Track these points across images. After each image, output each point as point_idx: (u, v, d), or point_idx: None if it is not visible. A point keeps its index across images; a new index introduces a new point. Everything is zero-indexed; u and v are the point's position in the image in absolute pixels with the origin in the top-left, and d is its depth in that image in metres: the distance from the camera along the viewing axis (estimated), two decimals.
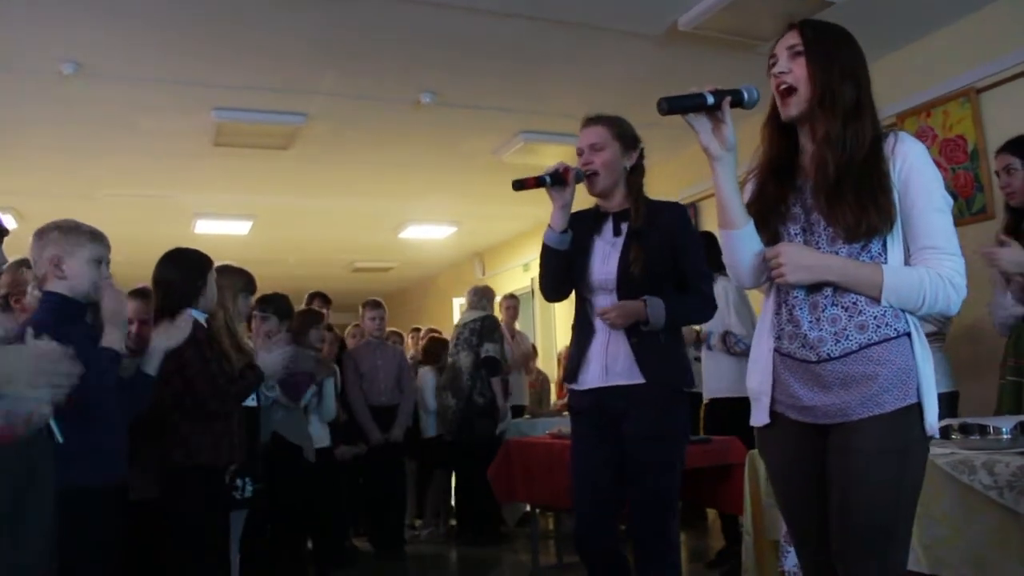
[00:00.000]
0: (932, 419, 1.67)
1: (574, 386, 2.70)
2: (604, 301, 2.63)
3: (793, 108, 1.76)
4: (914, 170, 1.70)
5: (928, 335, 1.82)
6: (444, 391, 5.70)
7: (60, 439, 1.87)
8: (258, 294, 3.95)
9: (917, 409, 1.67)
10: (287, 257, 9.63)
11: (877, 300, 1.68)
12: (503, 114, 5.38)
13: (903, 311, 1.70)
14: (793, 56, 1.76)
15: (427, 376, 5.74)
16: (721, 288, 4.36)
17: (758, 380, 1.84)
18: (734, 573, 3.65)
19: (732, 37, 4.12)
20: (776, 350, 1.79)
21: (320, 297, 5.50)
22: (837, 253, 1.72)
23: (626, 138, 2.66)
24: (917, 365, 1.68)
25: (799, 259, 1.71)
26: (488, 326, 5.61)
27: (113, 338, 2.37)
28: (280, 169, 6.31)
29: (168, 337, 2.57)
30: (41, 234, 2.37)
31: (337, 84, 4.78)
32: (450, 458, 5.84)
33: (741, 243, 1.83)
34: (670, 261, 2.60)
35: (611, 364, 2.60)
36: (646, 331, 2.55)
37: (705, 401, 4.49)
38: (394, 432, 5.23)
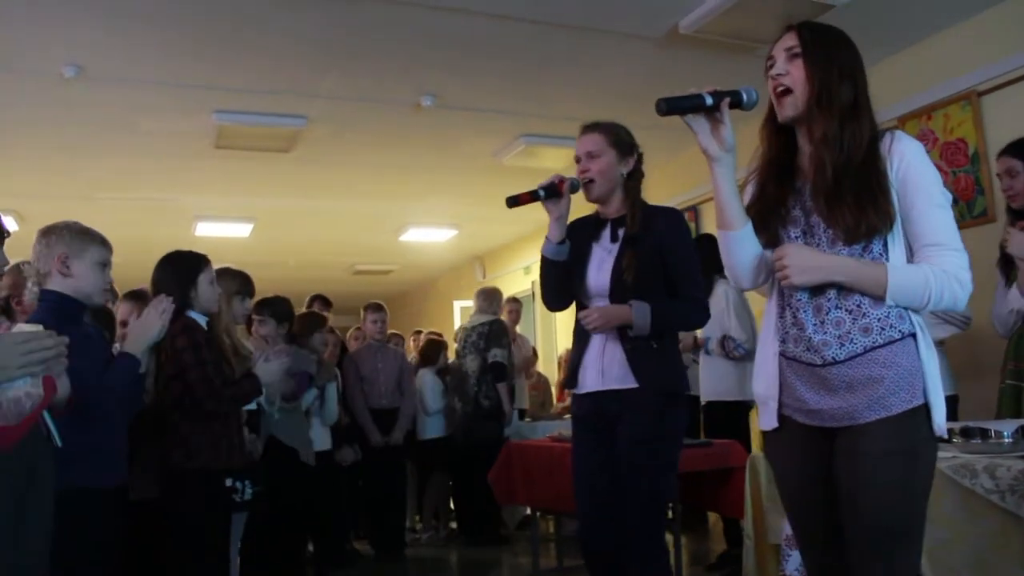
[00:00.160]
0: (940, 419, 1.67)
1: (574, 390, 2.74)
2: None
3: (789, 109, 1.76)
4: (912, 168, 1.69)
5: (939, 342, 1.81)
6: (451, 393, 5.74)
7: (59, 442, 1.87)
8: (259, 297, 3.96)
9: (924, 410, 1.66)
10: (287, 260, 9.64)
11: (882, 299, 1.67)
12: (504, 117, 5.38)
13: (909, 311, 1.69)
14: (791, 58, 1.75)
15: (426, 377, 5.74)
16: (721, 291, 4.36)
17: (765, 384, 1.83)
18: None
19: (733, 40, 4.12)
20: (781, 354, 1.79)
21: (320, 299, 5.50)
22: (838, 255, 1.72)
23: (622, 144, 2.67)
24: (923, 366, 1.67)
25: (804, 261, 1.70)
26: (496, 331, 5.62)
27: (133, 345, 2.42)
28: (281, 172, 6.32)
29: (145, 330, 2.51)
30: (48, 232, 2.38)
31: (338, 87, 4.78)
32: (450, 460, 5.85)
33: (739, 244, 1.83)
34: (663, 267, 2.60)
35: (607, 369, 2.62)
36: (634, 336, 2.56)
37: (702, 404, 4.49)
38: (394, 435, 5.23)
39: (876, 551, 1.65)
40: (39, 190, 6.37)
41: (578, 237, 2.73)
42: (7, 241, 1.99)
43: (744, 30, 3.99)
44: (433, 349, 5.96)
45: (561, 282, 2.73)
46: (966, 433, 2.37)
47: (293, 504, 3.96)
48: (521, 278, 9.14)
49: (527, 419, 6.13)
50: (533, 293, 8.66)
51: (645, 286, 2.57)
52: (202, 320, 2.87)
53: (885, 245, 1.70)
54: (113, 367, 2.40)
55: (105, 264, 2.43)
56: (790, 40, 1.77)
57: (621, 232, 2.66)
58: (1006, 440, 2.30)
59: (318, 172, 6.43)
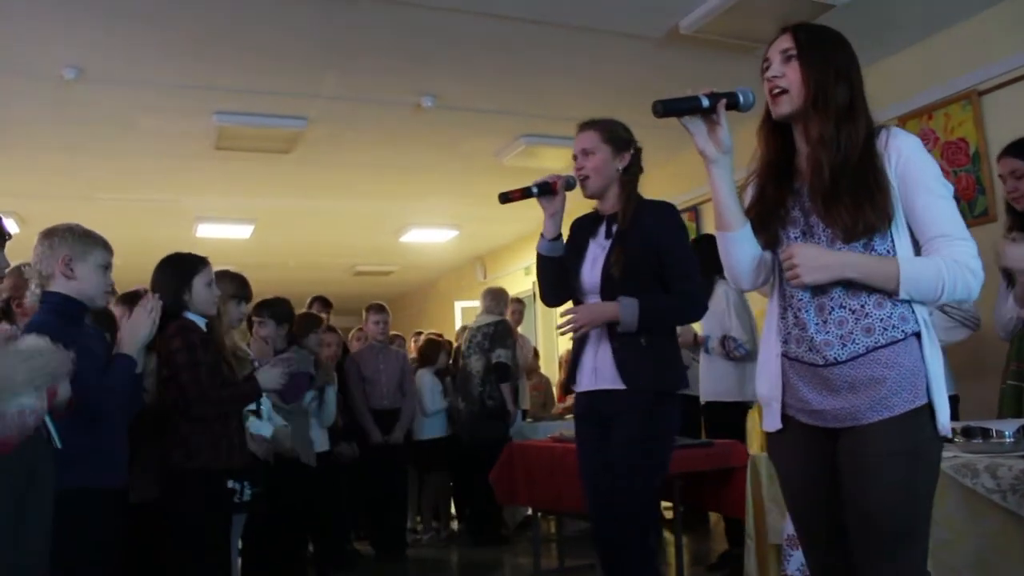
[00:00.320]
0: (944, 419, 1.66)
1: (574, 388, 2.76)
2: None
3: (784, 106, 1.76)
4: (910, 163, 1.69)
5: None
6: (455, 393, 5.78)
7: (59, 444, 1.87)
8: (259, 298, 3.96)
9: (928, 410, 1.66)
10: (288, 261, 9.64)
11: (895, 294, 1.66)
12: (504, 117, 5.38)
13: (914, 310, 1.68)
14: (786, 60, 1.76)
15: (424, 378, 5.73)
16: (721, 291, 4.36)
17: (768, 386, 1.83)
18: None
19: (733, 40, 4.12)
20: (784, 354, 1.79)
21: (320, 301, 5.51)
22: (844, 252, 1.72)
23: (617, 140, 2.67)
24: (927, 366, 1.67)
25: (814, 259, 1.69)
26: (501, 331, 5.64)
27: (128, 345, 2.43)
28: (281, 173, 6.32)
29: (135, 330, 2.51)
30: (50, 234, 2.39)
31: (338, 87, 4.78)
32: (453, 460, 5.86)
33: (738, 245, 1.84)
34: (655, 262, 2.59)
35: (600, 368, 2.64)
36: (622, 333, 2.56)
37: (702, 403, 4.48)
38: (395, 434, 5.23)
39: (880, 552, 1.65)
40: (39, 191, 6.37)
41: (579, 234, 2.77)
42: (7, 243, 2.00)
43: (744, 30, 3.99)
44: (432, 349, 5.96)
45: (557, 278, 2.75)
46: (967, 433, 2.37)
47: (293, 505, 3.96)
48: (522, 278, 9.13)
49: (528, 419, 6.13)
50: (534, 293, 8.65)
51: (634, 281, 2.56)
52: (200, 322, 2.87)
53: (892, 242, 1.70)
54: (111, 368, 2.41)
55: (107, 266, 2.44)
56: (785, 42, 1.77)
57: (615, 228, 2.67)
58: (1007, 440, 2.30)
59: (318, 173, 6.43)
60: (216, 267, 3.12)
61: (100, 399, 2.27)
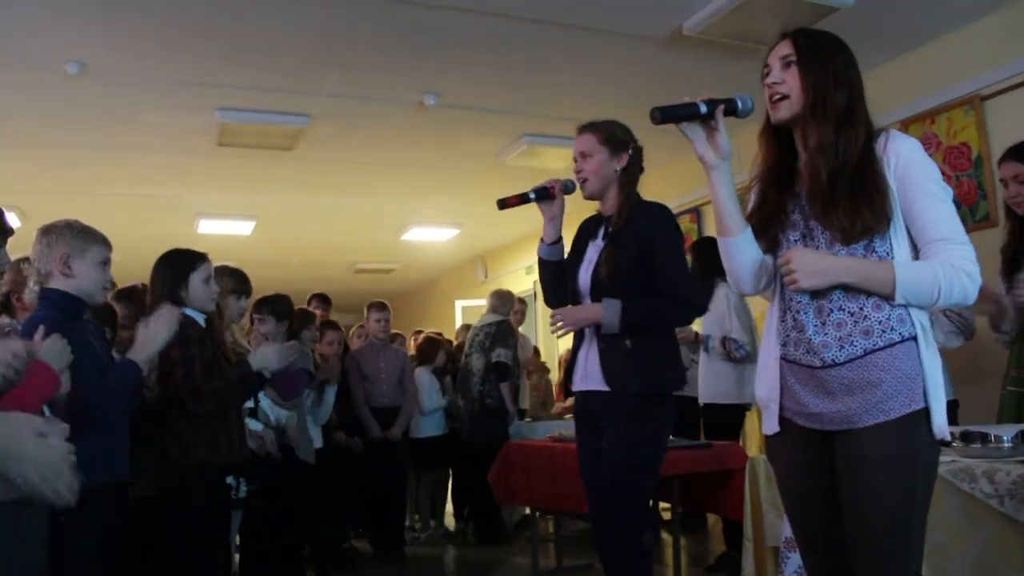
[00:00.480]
0: (940, 423, 1.66)
1: (572, 387, 2.78)
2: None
3: (784, 112, 1.77)
4: (909, 166, 1.69)
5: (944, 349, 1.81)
6: (455, 392, 5.82)
7: None
8: (259, 295, 3.96)
9: (924, 414, 1.66)
10: (289, 258, 9.64)
11: (892, 298, 1.66)
12: (507, 116, 5.38)
13: (912, 313, 1.68)
14: (786, 66, 1.76)
15: (422, 376, 5.73)
16: (722, 294, 4.37)
17: (766, 389, 1.84)
18: None
19: (737, 42, 4.11)
20: (782, 357, 1.79)
21: (318, 298, 5.53)
22: (837, 255, 1.72)
23: (614, 142, 2.68)
24: (924, 369, 1.67)
25: (811, 264, 1.69)
26: (502, 331, 5.66)
27: (139, 352, 2.41)
28: (283, 169, 6.32)
29: (149, 341, 2.50)
30: (48, 231, 2.38)
31: (341, 85, 4.78)
32: (448, 458, 5.88)
33: (739, 250, 1.85)
34: (647, 264, 2.59)
35: (589, 369, 2.66)
36: (606, 334, 2.57)
37: (700, 404, 4.48)
38: (394, 430, 5.24)
39: (876, 555, 1.65)
40: (41, 186, 6.38)
41: (581, 235, 2.80)
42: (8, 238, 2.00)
43: (748, 32, 3.99)
44: (431, 348, 5.96)
45: (557, 280, 2.78)
46: (966, 437, 2.37)
47: (291, 503, 3.96)
48: (523, 278, 9.14)
49: (527, 419, 6.14)
50: (535, 293, 8.66)
51: (622, 283, 2.56)
52: (199, 318, 2.87)
53: (890, 244, 1.70)
54: (115, 371, 2.40)
55: (105, 263, 2.43)
56: (785, 48, 1.77)
57: (609, 229, 2.69)
58: (1006, 445, 2.30)
59: (320, 170, 6.43)
60: (217, 263, 3.12)
61: (100, 399, 2.27)
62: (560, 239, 2.78)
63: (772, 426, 1.83)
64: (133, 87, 4.64)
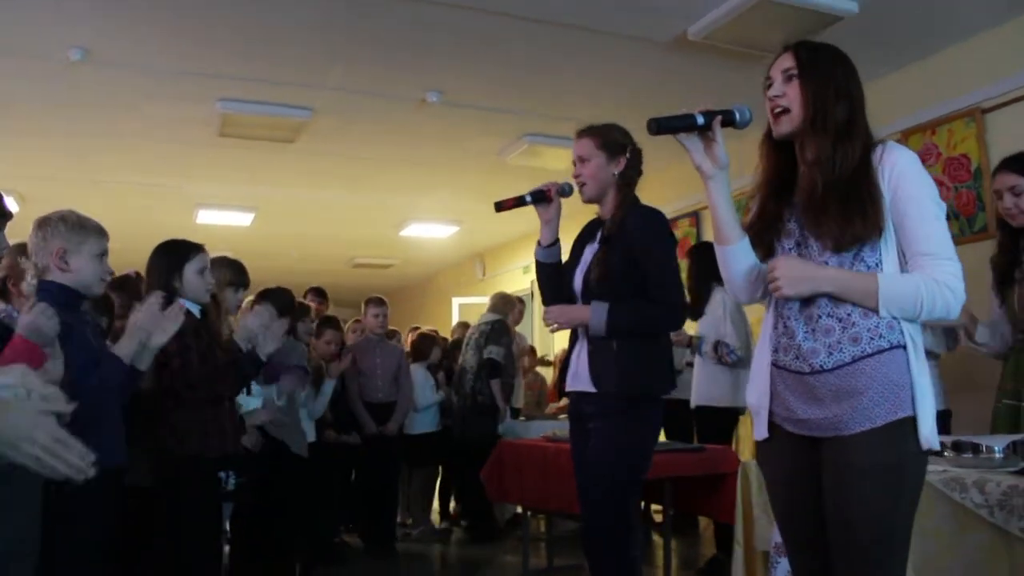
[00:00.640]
0: (927, 432, 1.67)
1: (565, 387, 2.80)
2: None
3: (785, 126, 1.79)
4: (903, 177, 1.71)
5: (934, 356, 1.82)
6: (450, 388, 5.90)
7: None
8: (257, 286, 3.95)
9: (911, 423, 1.67)
10: (287, 250, 9.64)
11: (875, 310, 1.68)
12: (509, 115, 5.38)
13: (903, 320, 1.70)
14: (787, 79, 1.78)
15: (417, 373, 5.74)
16: (719, 298, 4.38)
17: (757, 395, 1.85)
18: None
19: (740, 48, 4.12)
20: (773, 363, 1.81)
21: (315, 291, 5.53)
22: (827, 263, 1.74)
23: (611, 146, 2.69)
24: (912, 378, 1.68)
25: (794, 272, 1.72)
26: (496, 329, 5.71)
27: (124, 345, 2.39)
28: (284, 162, 6.32)
29: (160, 332, 2.52)
30: (44, 224, 2.37)
31: (344, 79, 4.79)
32: (440, 455, 5.90)
33: (735, 258, 1.87)
34: (637, 268, 2.59)
35: (579, 370, 2.67)
36: (593, 336, 2.59)
37: (692, 407, 4.49)
38: (390, 426, 5.24)
39: (862, 563, 1.67)
40: (42, 172, 6.37)
41: (581, 238, 2.82)
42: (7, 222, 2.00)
43: (752, 38, 4.00)
44: (425, 344, 5.97)
45: (554, 282, 2.79)
46: (957, 447, 2.38)
47: (283, 496, 3.96)
48: (520, 277, 9.15)
49: (521, 417, 6.15)
50: (532, 292, 8.67)
51: (613, 286, 2.57)
52: (194, 308, 2.87)
53: (879, 255, 1.72)
54: (104, 365, 2.39)
55: (102, 254, 2.42)
56: (787, 61, 1.79)
57: (602, 233, 2.70)
58: (997, 455, 2.32)
59: (321, 164, 6.43)
60: (215, 254, 3.12)
61: (92, 394, 2.27)
62: (556, 241, 2.79)
63: (762, 432, 1.85)
64: (136, 75, 4.63)
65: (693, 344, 4.45)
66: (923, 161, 3.93)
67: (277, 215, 8.07)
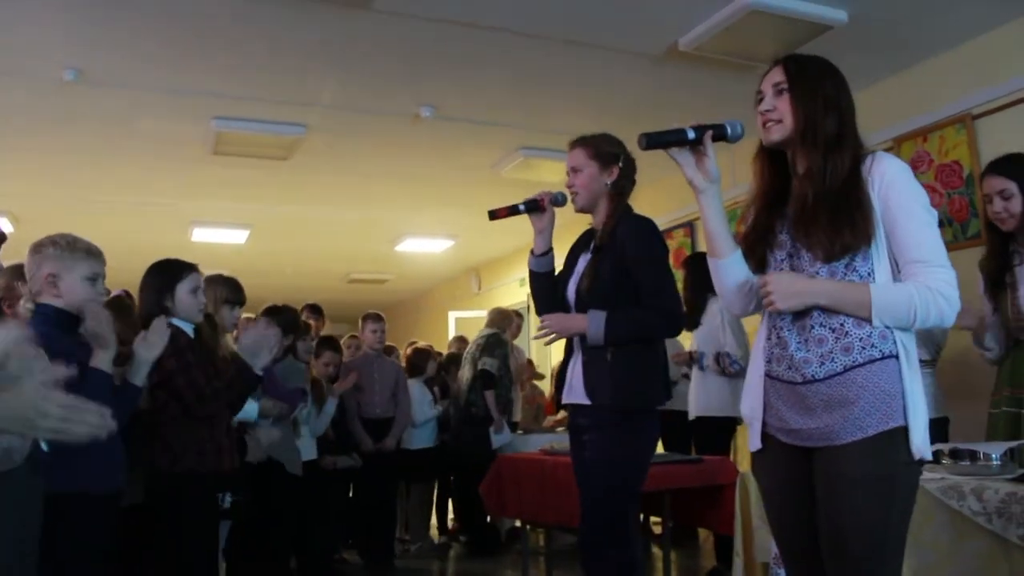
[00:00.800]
0: (918, 442, 1.67)
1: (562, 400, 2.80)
2: None
3: (776, 134, 1.80)
4: (893, 187, 1.71)
5: (920, 362, 1.81)
6: (447, 401, 5.94)
7: (45, 447, 1.86)
8: (253, 304, 3.95)
9: (902, 432, 1.67)
10: (283, 267, 9.63)
11: (868, 320, 1.68)
12: (503, 129, 5.40)
13: (897, 330, 1.70)
14: (778, 93, 1.80)
15: (414, 388, 5.72)
16: (716, 308, 4.38)
17: (750, 405, 1.86)
18: None
19: (732, 58, 4.14)
20: (767, 374, 1.81)
21: (310, 308, 5.51)
22: (818, 273, 1.74)
23: (603, 156, 2.70)
24: (904, 388, 1.68)
25: (787, 286, 1.73)
26: (491, 342, 5.75)
27: (100, 359, 2.37)
28: (278, 179, 6.33)
29: (149, 347, 2.54)
30: (36, 249, 2.38)
31: (337, 96, 4.80)
32: (438, 470, 5.89)
33: (726, 271, 1.89)
34: (628, 277, 2.59)
35: (574, 382, 2.67)
36: (590, 347, 2.58)
37: (691, 418, 4.48)
38: (387, 442, 5.23)
39: (854, 572, 1.67)
40: (35, 192, 6.37)
41: (575, 248, 2.82)
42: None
43: (743, 49, 4.02)
44: (420, 359, 5.96)
45: (547, 292, 2.80)
46: (955, 455, 2.38)
47: (279, 514, 3.94)
48: (516, 290, 9.15)
49: (519, 431, 6.14)
50: (528, 306, 8.67)
51: (605, 295, 2.57)
52: (188, 328, 2.87)
53: (871, 265, 1.72)
54: (88, 384, 2.38)
55: (95, 277, 2.40)
56: (777, 75, 1.81)
57: (594, 243, 2.71)
58: (995, 462, 2.31)
59: (316, 180, 6.44)
60: (210, 272, 3.12)
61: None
62: (550, 251, 2.79)
63: (755, 443, 1.86)
64: (129, 94, 4.64)
65: (694, 359, 4.44)
66: (915, 168, 3.95)
67: (272, 232, 8.07)
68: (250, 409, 3.56)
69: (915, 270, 1.69)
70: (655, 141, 1.80)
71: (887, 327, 1.69)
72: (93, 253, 2.43)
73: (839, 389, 1.69)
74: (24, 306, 2.44)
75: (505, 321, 5.98)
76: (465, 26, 3.93)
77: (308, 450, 4.48)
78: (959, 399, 3.61)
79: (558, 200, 2.75)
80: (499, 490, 4.32)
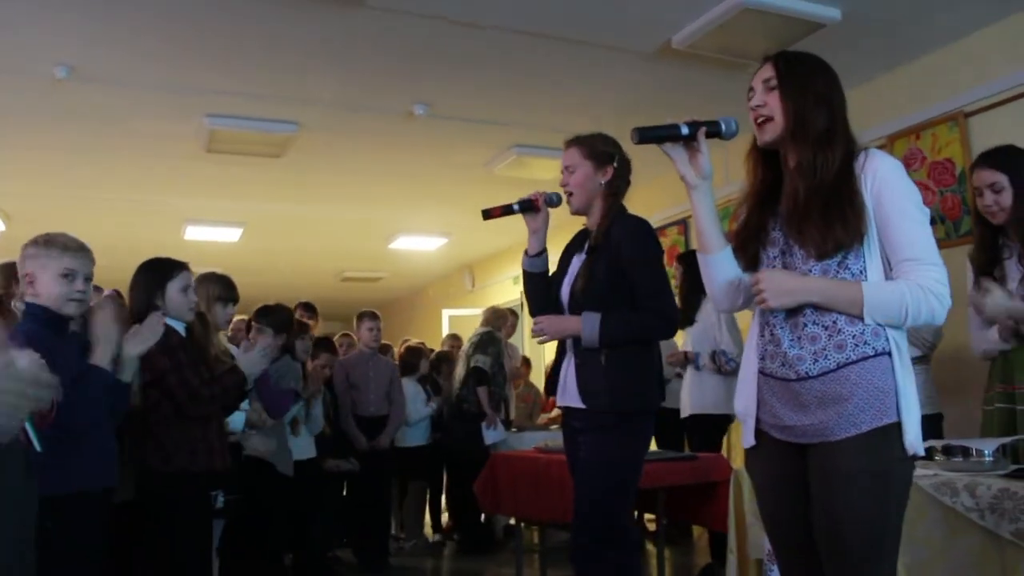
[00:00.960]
0: (912, 438, 1.67)
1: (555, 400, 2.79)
2: None
3: (768, 134, 1.81)
4: (885, 184, 1.72)
5: (913, 359, 1.82)
6: (440, 398, 5.96)
7: (39, 447, 1.85)
8: (246, 302, 3.94)
9: (896, 428, 1.67)
10: (276, 265, 9.61)
11: (860, 318, 1.69)
12: (496, 127, 5.39)
13: (889, 327, 1.70)
14: (768, 90, 1.80)
15: (408, 386, 5.72)
16: (710, 307, 4.37)
17: (744, 403, 1.86)
18: None
19: (725, 56, 4.15)
20: (760, 371, 1.82)
21: (304, 306, 5.50)
22: (811, 271, 1.75)
23: (598, 155, 2.69)
24: (897, 384, 1.68)
25: (779, 284, 1.73)
26: (484, 340, 5.77)
27: (100, 355, 2.38)
28: (272, 177, 6.31)
29: (139, 342, 2.53)
30: (23, 248, 2.37)
31: (330, 94, 4.79)
32: (431, 468, 5.90)
33: (716, 268, 1.90)
34: (622, 277, 2.58)
35: (567, 384, 2.66)
36: (585, 348, 2.56)
37: (684, 416, 4.48)
38: (381, 440, 5.22)
39: (846, 568, 1.67)
40: (28, 190, 6.33)
41: (569, 249, 2.81)
42: None
43: (736, 46, 4.02)
44: (413, 357, 5.96)
45: (541, 292, 2.78)
46: (948, 451, 2.39)
47: (273, 512, 3.93)
48: (510, 288, 9.15)
49: (513, 429, 6.15)
50: (521, 303, 8.66)
51: (596, 297, 2.56)
52: (179, 326, 2.86)
53: (864, 262, 1.73)
54: (86, 380, 2.38)
55: (71, 273, 2.36)
56: (767, 72, 1.82)
57: (588, 243, 2.70)
58: (987, 459, 2.32)
59: (309, 178, 6.42)
60: (203, 269, 3.11)
61: (84, 415, 2.26)
62: (544, 251, 2.78)
63: (749, 439, 1.86)
64: (122, 91, 4.62)
65: (689, 359, 4.43)
66: (908, 166, 3.96)
67: (265, 230, 8.05)
68: (236, 420, 3.55)
69: (907, 268, 1.69)
70: (647, 135, 1.80)
71: (879, 324, 1.70)
72: (70, 248, 2.39)
73: (833, 386, 1.69)
74: (16, 305, 2.44)
75: (499, 320, 6.00)
76: (458, 24, 3.92)
77: (307, 448, 4.48)
78: (953, 395, 3.62)
79: (553, 200, 2.74)
80: (494, 488, 4.33)
